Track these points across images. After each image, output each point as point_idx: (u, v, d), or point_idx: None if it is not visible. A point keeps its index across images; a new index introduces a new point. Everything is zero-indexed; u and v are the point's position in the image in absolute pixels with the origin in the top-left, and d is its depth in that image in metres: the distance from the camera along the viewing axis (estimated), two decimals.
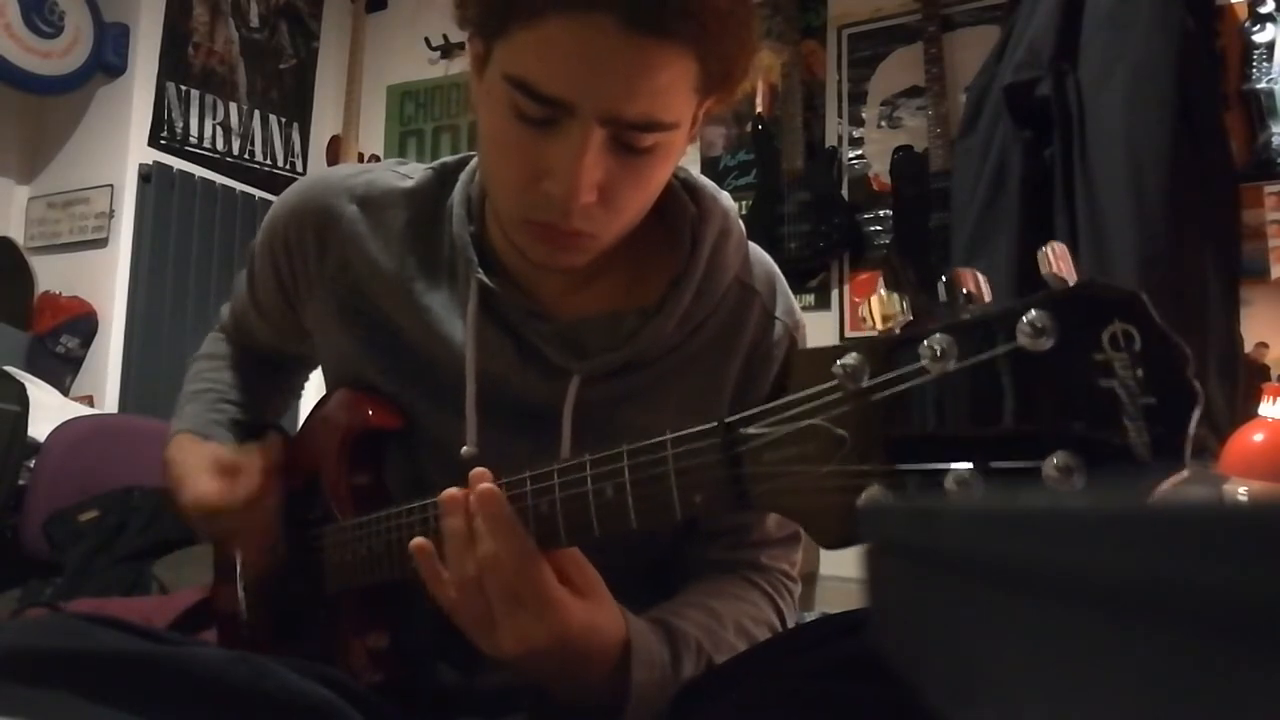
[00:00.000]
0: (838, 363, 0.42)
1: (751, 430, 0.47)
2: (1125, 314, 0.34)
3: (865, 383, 0.41)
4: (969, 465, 0.37)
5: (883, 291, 0.42)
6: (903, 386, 0.40)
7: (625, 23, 0.56)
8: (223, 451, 0.83)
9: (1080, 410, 0.34)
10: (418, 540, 0.61)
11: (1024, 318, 0.35)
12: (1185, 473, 0.33)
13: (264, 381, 0.98)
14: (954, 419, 0.38)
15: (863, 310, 0.46)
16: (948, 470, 0.38)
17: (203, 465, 0.81)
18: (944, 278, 0.39)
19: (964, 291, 0.39)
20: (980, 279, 0.39)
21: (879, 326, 0.42)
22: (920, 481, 0.39)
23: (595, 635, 0.60)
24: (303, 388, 1.06)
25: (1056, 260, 0.36)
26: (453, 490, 0.60)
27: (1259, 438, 1.40)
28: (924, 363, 0.38)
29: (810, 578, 2.32)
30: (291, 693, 0.62)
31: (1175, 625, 0.14)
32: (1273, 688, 0.13)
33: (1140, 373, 0.33)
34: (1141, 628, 0.15)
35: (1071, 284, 0.35)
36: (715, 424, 0.49)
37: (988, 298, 0.39)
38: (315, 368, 1.01)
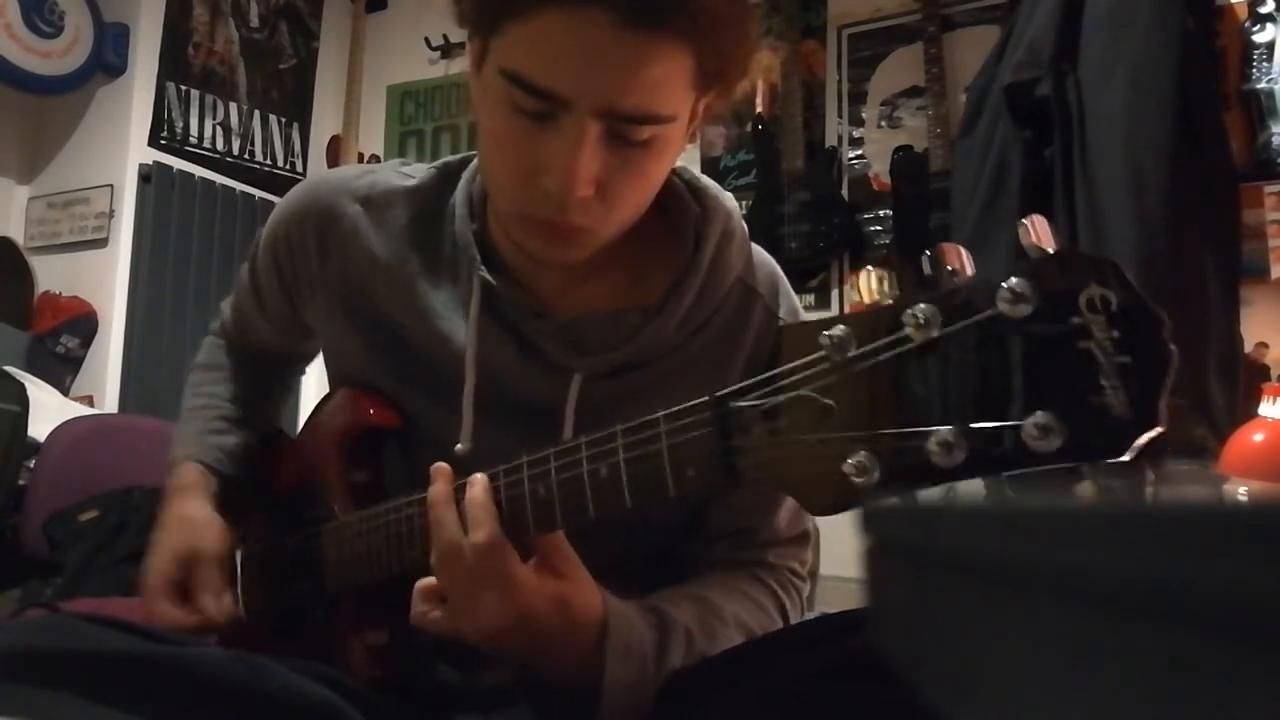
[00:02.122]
0: (824, 334, 0.43)
1: (742, 403, 0.48)
2: (1101, 279, 0.35)
3: (851, 352, 0.42)
4: (951, 427, 0.38)
5: (871, 269, 0.42)
6: (887, 355, 0.41)
7: (619, 17, 0.57)
8: (196, 542, 0.82)
9: (1059, 371, 0.35)
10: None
11: (1004, 285, 0.36)
12: (1160, 429, 0.34)
13: (262, 387, 0.98)
14: (937, 384, 0.39)
15: (851, 288, 0.47)
16: (931, 433, 0.39)
17: (170, 546, 0.82)
18: (928, 253, 0.40)
19: (948, 267, 0.40)
20: (963, 254, 0.40)
21: (866, 302, 0.42)
22: (905, 445, 0.40)
23: (567, 612, 0.62)
24: (299, 381, 1.06)
25: (1036, 231, 0.37)
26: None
27: (1259, 438, 1.40)
28: (908, 331, 0.40)
29: (810, 577, 2.31)
30: (291, 692, 0.62)
31: (1175, 625, 0.14)
32: (1272, 688, 0.13)
33: (1116, 334, 0.34)
34: (1141, 628, 0.15)
35: (1048, 253, 0.37)
36: (706, 399, 0.50)
37: (970, 272, 0.40)
38: (312, 360, 1.01)
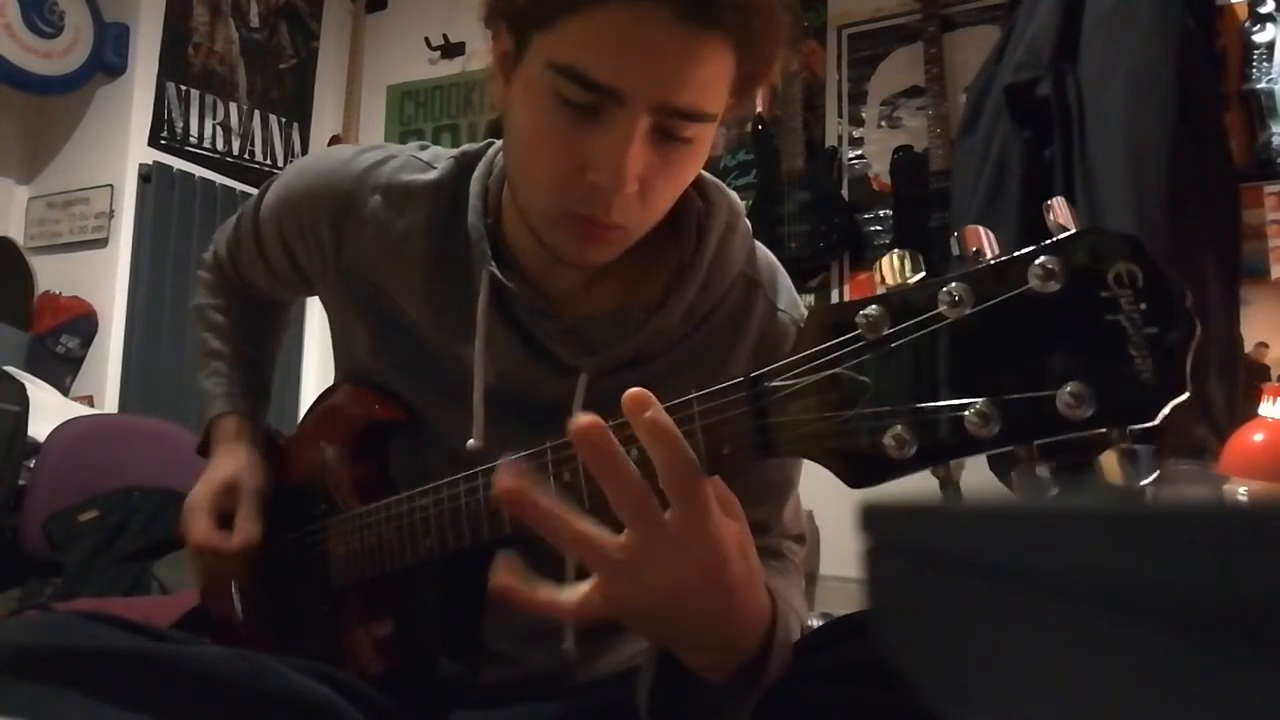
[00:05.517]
0: (860, 313, 0.44)
1: (776, 383, 0.48)
2: (1128, 255, 0.37)
3: (886, 331, 0.43)
4: (987, 399, 0.40)
5: (895, 253, 0.44)
6: (922, 332, 0.42)
7: (678, 13, 0.58)
8: (240, 474, 0.86)
9: (1089, 343, 0.37)
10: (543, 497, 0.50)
11: (1034, 262, 0.39)
12: (1186, 395, 0.36)
13: (268, 326, 1.00)
14: (972, 359, 0.41)
15: (876, 273, 0.47)
16: (968, 405, 0.40)
17: (216, 474, 0.85)
18: (955, 234, 0.43)
19: (973, 249, 0.42)
20: (988, 235, 0.42)
21: (891, 283, 0.44)
22: (942, 418, 0.41)
23: (746, 556, 0.52)
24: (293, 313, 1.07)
25: (1059, 213, 0.39)
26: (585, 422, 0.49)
27: (1259, 438, 1.40)
28: (941, 309, 0.41)
29: (810, 578, 2.31)
30: (292, 691, 0.62)
31: (1174, 624, 0.14)
32: (1270, 687, 0.13)
33: (1143, 306, 0.37)
34: (1140, 627, 0.15)
35: (1075, 231, 0.39)
36: (741, 379, 0.50)
37: (994, 252, 0.42)
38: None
